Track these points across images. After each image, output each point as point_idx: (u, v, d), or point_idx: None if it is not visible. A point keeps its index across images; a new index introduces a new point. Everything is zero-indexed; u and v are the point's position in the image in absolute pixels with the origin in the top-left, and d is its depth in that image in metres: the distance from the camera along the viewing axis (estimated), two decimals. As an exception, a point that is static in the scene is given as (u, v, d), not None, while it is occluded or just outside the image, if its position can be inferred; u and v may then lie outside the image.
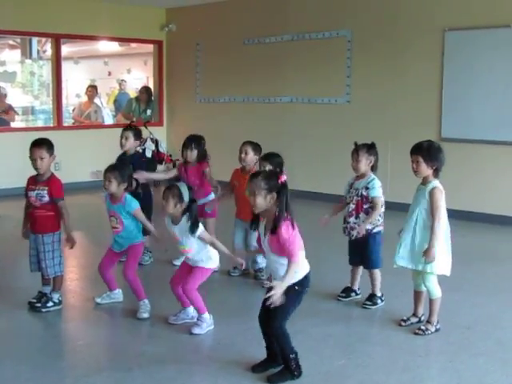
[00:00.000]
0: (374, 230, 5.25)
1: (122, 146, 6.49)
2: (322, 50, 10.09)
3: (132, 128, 6.66)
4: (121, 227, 5.10)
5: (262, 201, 3.83)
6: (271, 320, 3.92)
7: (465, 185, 8.54)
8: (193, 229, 4.64)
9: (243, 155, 5.95)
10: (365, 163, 5.24)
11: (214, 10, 11.49)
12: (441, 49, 8.79)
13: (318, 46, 10.13)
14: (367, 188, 5.22)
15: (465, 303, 5.40)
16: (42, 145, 5.02)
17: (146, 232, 6.20)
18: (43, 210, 5.01)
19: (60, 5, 11.01)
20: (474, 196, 8.64)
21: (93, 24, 11.46)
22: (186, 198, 4.66)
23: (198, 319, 4.78)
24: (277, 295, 3.75)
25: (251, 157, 5.95)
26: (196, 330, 4.70)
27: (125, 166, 5.42)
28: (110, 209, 5.17)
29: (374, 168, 5.33)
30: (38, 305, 5.12)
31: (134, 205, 5.13)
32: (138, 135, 6.60)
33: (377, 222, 5.24)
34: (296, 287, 3.89)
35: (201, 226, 4.71)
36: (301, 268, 3.91)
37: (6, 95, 12.36)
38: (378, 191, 5.21)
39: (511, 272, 6.41)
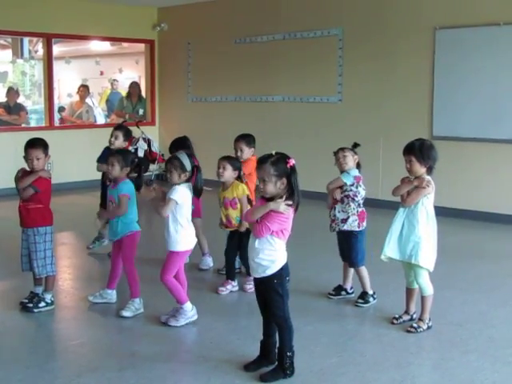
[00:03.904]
0: (354, 229, 5.25)
1: (110, 143, 6.65)
2: (313, 48, 10.10)
3: (123, 128, 6.82)
4: None
5: (273, 187, 3.80)
6: (271, 314, 3.97)
7: (456, 182, 8.57)
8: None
9: (239, 153, 5.98)
10: (351, 159, 5.27)
11: (206, 9, 11.49)
12: (432, 47, 8.82)
13: (309, 44, 10.15)
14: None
15: (456, 301, 5.43)
16: (38, 145, 5.06)
17: None
18: (32, 203, 5.01)
19: (51, 4, 10.99)
20: (465, 193, 8.67)
21: (84, 24, 11.45)
22: (188, 166, 4.72)
23: (176, 310, 4.82)
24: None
25: (247, 152, 6.01)
26: (172, 322, 4.76)
27: (128, 151, 5.48)
28: (110, 194, 5.16)
29: (358, 166, 5.35)
30: (30, 305, 5.11)
31: (125, 189, 5.06)
32: (127, 136, 6.74)
33: (352, 210, 5.23)
34: (275, 280, 3.90)
35: (178, 196, 4.68)
36: (278, 258, 3.90)
37: (18, 95, 12.37)
38: (344, 175, 5.23)
39: (502, 269, 6.43)
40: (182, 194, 4.72)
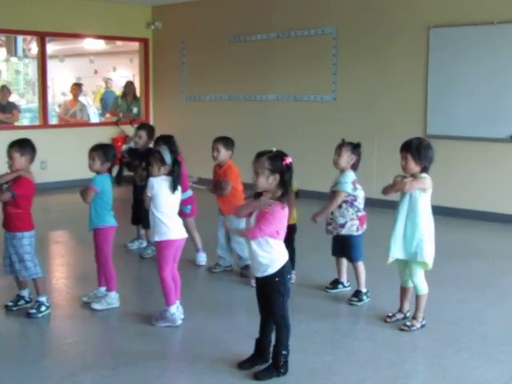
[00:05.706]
0: (354, 234, 5.25)
1: (135, 143, 6.87)
2: (307, 47, 10.11)
3: (146, 126, 7.08)
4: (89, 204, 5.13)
5: (264, 180, 3.80)
6: (271, 312, 3.96)
7: (450, 181, 8.58)
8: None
9: (215, 153, 5.97)
10: (346, 160, 5.24)
11: (200, 8, 11.48)
12: (425, 46, 8.83)
13: (303, 43, 10.15)
14: (337, 183, 5.25)
15: (450, 299, 5.44)
16: (13, 144, 4.92)
17: (145, 225, 6.43)
18: (11, 207, 4.87)
19: (45, 3, 10.95)
20: (459, 192, 8.68)
21: (78, 22, 11.43)
22: (169, 160, 4.72)
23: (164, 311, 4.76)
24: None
25: (223, 154, 5.97)
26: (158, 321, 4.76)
27: (110, 146, 5.48)
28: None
29: (354, 167, 5.31)
30: (33, 311, 4.97)
31: (94, 182, 5.06)
32: (151, 133, 6.90)
33: (350, 215, 5.23)
34: (276, 279, 3.90)
35: (153, 188, 4.70)
36: (278, 257, 3.90)
37: (10, 93, 12.35)
38: (343, 186, 5.20)
39: (495, 268, 6.45)
40: (151, 187, 4.71)
